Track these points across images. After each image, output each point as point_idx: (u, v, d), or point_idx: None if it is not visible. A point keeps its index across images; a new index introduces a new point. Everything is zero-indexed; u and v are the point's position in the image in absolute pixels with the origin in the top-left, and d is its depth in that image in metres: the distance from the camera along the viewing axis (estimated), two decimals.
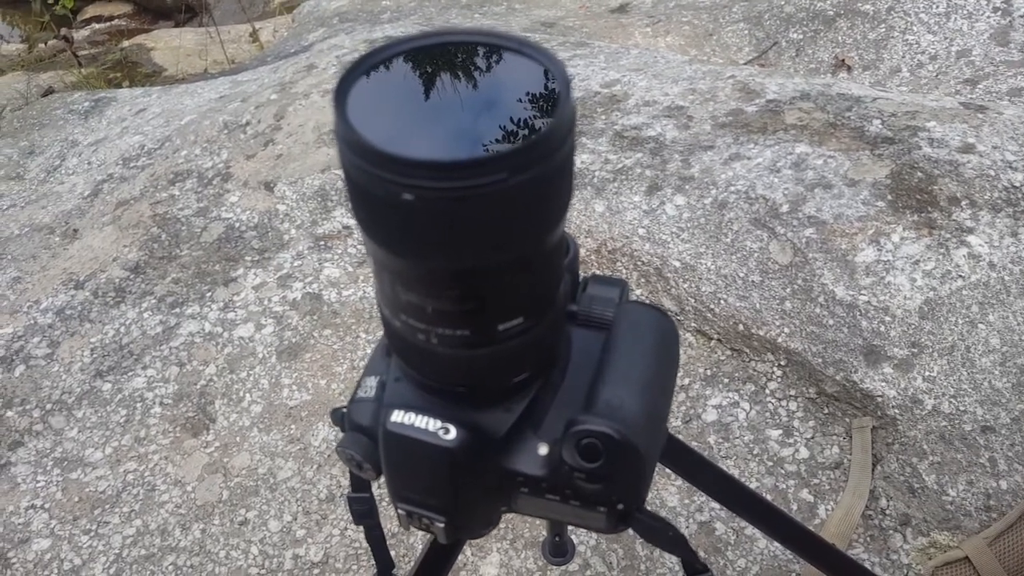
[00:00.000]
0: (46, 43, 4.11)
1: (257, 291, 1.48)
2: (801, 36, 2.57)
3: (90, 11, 5.05)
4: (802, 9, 2.63)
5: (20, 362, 1.39)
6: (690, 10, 2.84)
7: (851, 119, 1.60)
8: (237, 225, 1.60)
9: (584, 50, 2.03)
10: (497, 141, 0.31)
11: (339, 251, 1.54)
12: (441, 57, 0.36)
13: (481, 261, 0.32)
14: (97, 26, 4.96)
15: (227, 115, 1.90)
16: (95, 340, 1.41)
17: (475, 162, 0.28)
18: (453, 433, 0.41)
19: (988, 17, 2.30)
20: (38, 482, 1.22)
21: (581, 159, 1.58)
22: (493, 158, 0.29)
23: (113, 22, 4.99)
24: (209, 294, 1.48)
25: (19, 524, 1.18)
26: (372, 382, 0.49)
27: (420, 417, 0.41)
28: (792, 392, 1.36)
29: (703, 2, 2.90)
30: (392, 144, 0.28)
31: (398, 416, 0.42)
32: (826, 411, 1.32)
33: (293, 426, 1.27)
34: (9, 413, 1.32)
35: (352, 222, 1.58)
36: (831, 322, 1.33)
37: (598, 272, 1.48)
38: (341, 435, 0.56)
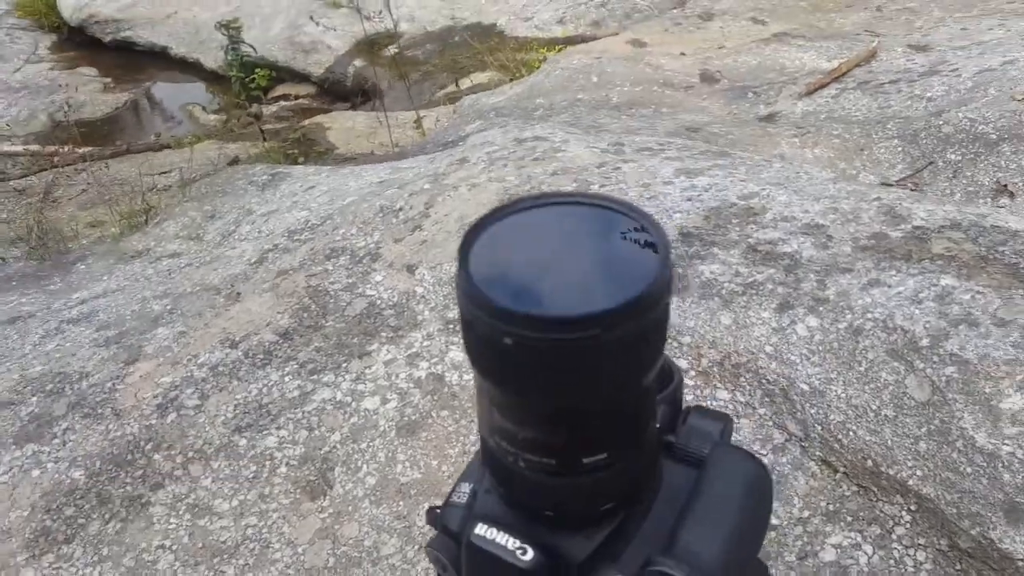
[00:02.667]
0: (239, 118, 4.63)
1: (387, 366, 1.57)
2: (959, 157, 2.47)
3: (280, 89, 5.65)
4: (961, 130, 2.54)
5: (173, 410, 1.54)
6: (841, 123, 2.81)
7: (1005, 254, 1.52)
8: (378, 302, 1.72)
9: (725, 160, 2.06)
10: (594, 299, 0.34)
11: None
12: (557, 216, 0.40)
13: (568, 403, 0.36)
14: (284, 103, 5.53)
15: (384, 200, 2.06)
16: (240, 397, 1.55)
17: (567, 320, 0.32)
18: (530, 555, 0.42)
19: None
20: (170, 524, 1.34)
21: (711, 269, 1.58)
22: (585, 317, 0.32)
23: (298, 101, 5.54)
24: (345, 364, 1.58)
25: (148, 561, 1.29)
26: (466, 488, 0.52)
27: (502, 534, 0.43)
28: (921, 541, 1.27)
29: (855, 116, 2.86)
30: (498, 293, 0.33)
31: (482, 529, 0.43)
32: (958, 567, 1.22)
33: (402, 503, 1.33)
34: (156, 456, 1.46)
35: None
36: (969, 470, 1.24)
37: (703, 402, 1.46)
38: (433, 533, 0.60)
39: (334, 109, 5.22)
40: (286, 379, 1.57)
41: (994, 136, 2.45)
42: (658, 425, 0.46)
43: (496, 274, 0.36)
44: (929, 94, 2.70)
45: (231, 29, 3.40)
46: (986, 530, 1.17)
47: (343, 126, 4.66)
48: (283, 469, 1.41)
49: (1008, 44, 2.88)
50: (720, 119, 3.10)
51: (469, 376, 1.52)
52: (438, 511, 0.56)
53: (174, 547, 1.31)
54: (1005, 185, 2.35)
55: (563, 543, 0.43)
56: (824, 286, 1.52)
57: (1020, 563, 1.13)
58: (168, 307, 1.92)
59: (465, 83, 4.71)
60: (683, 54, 3.46)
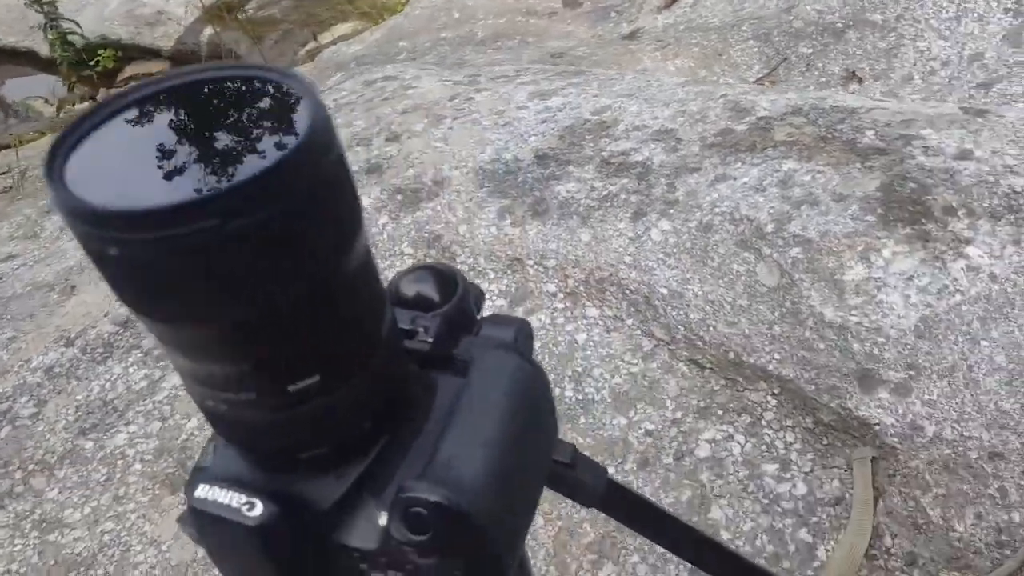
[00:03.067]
0: (77, 102, 4.27)
1: None
2: (811, 50, 2.50)
3: (129, 70, 5.25)
4: (811, 23, 2.56)
5: (7, 423, 1.41)
6: (699, 31, 2.80)
7: (843, 131, 1.53)
8: None
9: (579, 78, 2.01)
10: (220, 180, 0.27)
11: None
12: (165, 102, 0.33)
13: (222, 316, 0.28)
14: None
15: None
16: (80, 398, 1.42)
17: (173, 209, 0.25)
18: (259, 509, 0.35)
19: (999, 19, 2.20)
20: (15, 546, 1.23)
21: (567, 188, 1.54)
22: (192, 203, 0.25)
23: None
24: None
25: None
26: (210, 449, 0.46)
27: (225, 491, 0.36)
28: (788, 422, 1.28)
29: (712, 23, 2.85)
30: (91, 195, 0.25)
31: (203, 491, 0.36)
32: (825, 442, 1.24)
33: None
34: None
35: None
36: (822, 346, 1.25)
37: (575, 323, 1.43)
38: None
39: None
40: (130, 370, 1.46)
41: (840, 25, 2.48)
42: (418, 329, 0.40)
43: (102, 178, 0.29)
44: None
45: (45, 4, 3.07)
46: (844, 401, 1.19)
47: None
48: (137, 466, 1.31)
49: None
50: (585, 42, 3.05)
51: None
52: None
53: (22, 570, 1.20)
54: (853, 72, 2.39)
55: (307, 488, 0.36)
56: (674, 188, 1.50)
57: (876, 427, 1.15)
58: None
59: (326, 37, 4.49)
60: None
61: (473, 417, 0.39)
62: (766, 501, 1.20)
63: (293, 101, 0.30)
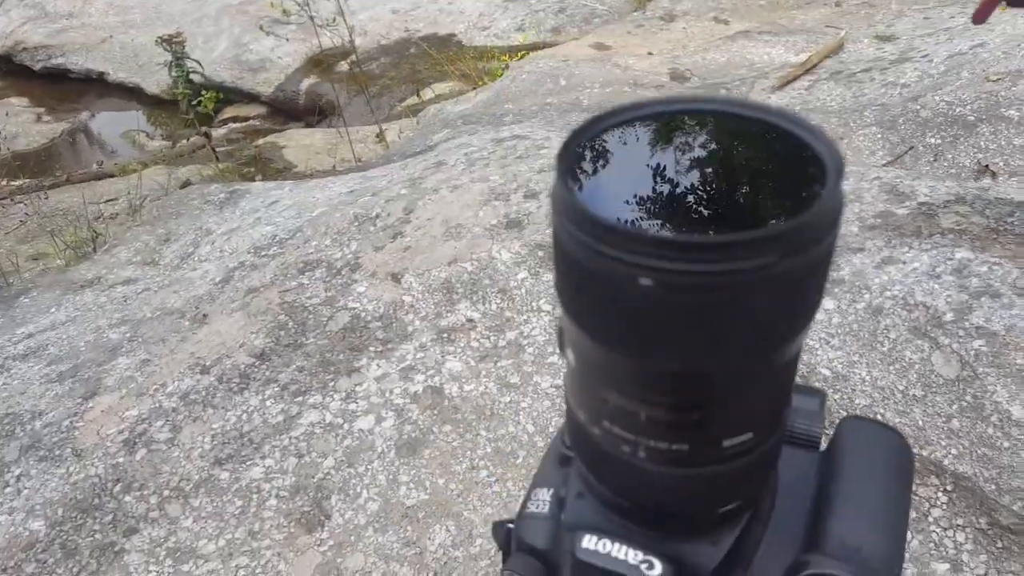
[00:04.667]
0: (188, 139, 4.43)
1: (379, 382, 1.44)
2: (939, 141, 2.45)
3: (228, 112, 5.46)
4: (939, 114, 2.52)
5: (142, 446, 1.39)
6: (818, 113, 2.78)
7: (1014, 225, 1.47)
8: (363, 315, 1.59)
9: None
10: (754, 221, 0.26)
11: (462, 344, 1.49)
12: (682, 126, 0.31)
13: (723, 363, 0.26)
14: (234, 125, 5.35)
15: (357, 208, 1.94)
16: (216, 427, 1.40)
17: (741, 243, 0.23)
18: (658, 569, 0.34)
19: None
20: (150, 573, 1.19)
21: None
22: (764, 237, 0.23)
23: (249, 122, 5.37)
24: (332, 383, 1.45)
25: None
26: (545, 496, 0.43)
27: (617, 546, 0.35)
28: (960, 521, 1.19)
29: (831, 106, 2.83)
30: (625, 217, 0.25)
31: (590, 542, 0.35)
32: (1000, 545, 1.14)
33: (410, 527, 1.20)
34: (127, 498, 1.30)
35: (476, 315, 1.54)
36: (1007, 444, 1.17)
37: None
38: (501, 555, 0.48)
39: (288, 128, 5.07)
40: (267, 403, 1.43)
41: (972, 118, 2.43)
42: None
43: (616, 197, 0.27)
44: (903, 80, 2.69)
45: (175, 44, 3.22)
46: None
47: (300, 143, 4.51)
48: (273, 501, 1.27)
49: (974, 29, 2.89)
50: None
51: (470, 387, 1.41)
52: (509, 526, 0.46)
53: None
54: (987, 166, 2.33)
55: (688, 552, 0.35)
56: (838, 267, 1.45)
57: None
58: (127, 335, 1.76)
59: (427, 93, 4.61)
60: (650, 54, 3.42)
61: (858, 490, 0.38)
62: None
63: (813, 151, 0.28)
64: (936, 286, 1.36)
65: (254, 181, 3.29)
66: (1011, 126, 2.37)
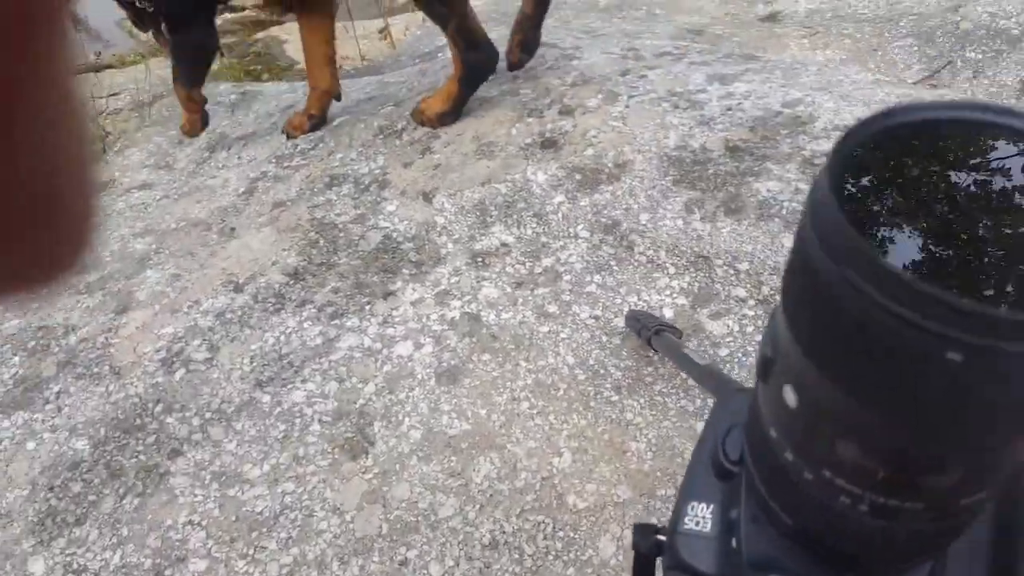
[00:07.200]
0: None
1: (415, 307, 1.43)
2: (980, 56, 2.35)
3: None
4: (981, 27, 2.41)
5: (181, 365, 1.39)
6: (850, 22, 2.66)
7: None
8: (394, 235, 1.56)
9: (755, 63, 1.90)
10: None
11: (497, 269, 1.47)
12: (986, 147, 0.28)
13: (992, 436, 0.24)
14: (229, 16, 5.09)
15: (381, 119, 1.87)
16: (255, 348, 1.39)
17: None
18: None
19: None
20: (196, 496, 1.21)
21: (767, 187, 1.46)
22: None
23: (245, 13, 5.11)
24: (368, 307, 1.44)
25: (177, 540, 1.16)
26: (705, 512, 0.42)
27: None
28: None
29: (863, 14, 2.70)
30: (935, 281, 0.21)
31: None
32: None
33: (454, 458, 1.21)
34: (169, 419, 1.31)
35: (511, 239, 1.51)
36: None
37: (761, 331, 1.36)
38: (632, 558, 0.48)
39: (286, 20, 4.82)
40: (305, 325, 1.42)
41: (1016, 31, 2.33)
42: None
43: (908, 243, 0.24)
44: None
45: None
46: None
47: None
48: (316, 427, 1.28)
49: None
50: (719, 20, 2.91)
51: (507, 315, 1.40)
52: (659, 537, 0.45)
53: (203, 522, 1.18)
54: None
55: None
56: None
57: None
58: (153, 246, 1.73)
59: None
60: None
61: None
62: None
63: None
64: None
65: (262, 80, 3.16)
66: None
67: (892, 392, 0.24)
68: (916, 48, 2.48)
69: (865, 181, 0.27)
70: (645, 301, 1.37)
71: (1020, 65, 2.26)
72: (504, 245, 1.52)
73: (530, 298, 1.41)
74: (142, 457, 1.27)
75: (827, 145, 1.53)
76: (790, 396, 0.29)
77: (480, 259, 1.50)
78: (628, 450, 1.16)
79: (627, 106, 1.72)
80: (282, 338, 1.40)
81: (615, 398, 1.23)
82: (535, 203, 1.56)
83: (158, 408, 1.33)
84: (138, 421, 1.31)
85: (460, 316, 1.40)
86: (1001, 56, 2.31)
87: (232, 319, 1.45)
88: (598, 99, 1.76)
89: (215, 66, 3.36)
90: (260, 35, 4.22)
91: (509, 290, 1.44)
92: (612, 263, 1.44)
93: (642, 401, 1.22)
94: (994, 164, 0.27)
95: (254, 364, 1.37)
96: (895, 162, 0.26)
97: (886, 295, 0.22)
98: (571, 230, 1.52)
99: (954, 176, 0.27)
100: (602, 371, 1.27)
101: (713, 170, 1.53)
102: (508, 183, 1.61)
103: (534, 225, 1.53)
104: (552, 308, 1.39)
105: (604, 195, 1.55)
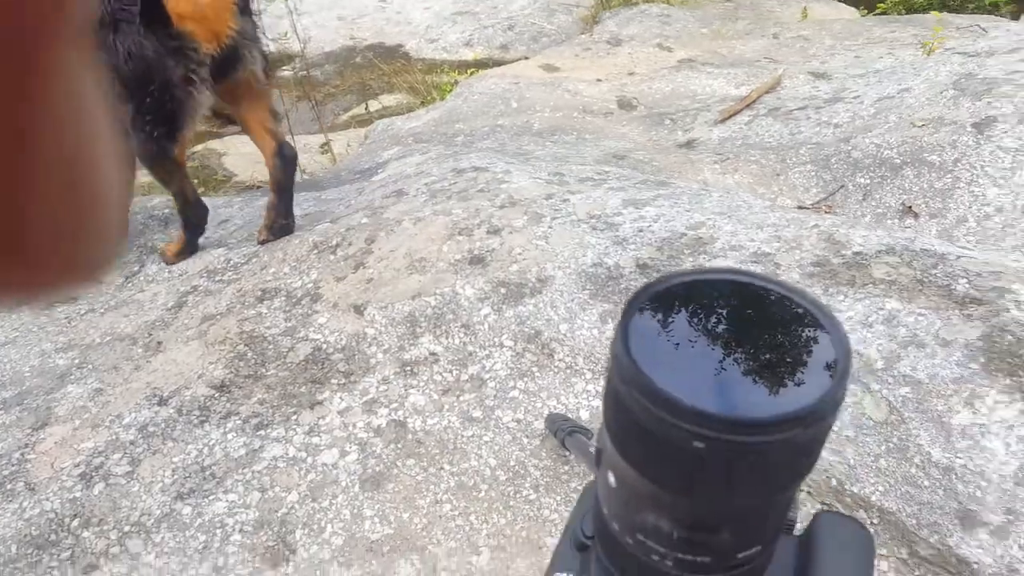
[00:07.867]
0: None
1: (343, 416, 1.47)
2: (868, 181, 2.61)
3: None
4: (869, 155, 2.68)
5: (100, 479, 1.38)
6: (757, 149, 2.92)
7: (937, 277, 1.60)
8: (324, 347, 1.61)
9: (666, 189, 2.08)
10: (782, 397, 0.32)
11: (424, 378, 1.53)
12: (721, 300, 0.37)
13: (749, 502, 0.34)
14: None
15: (316, 235, 1.95)
16: (177, 460, 1.40)
17: (777, 421, 0.30)
18: None
19: None
20: None
21: None
22: (789, 417, 0.30)
23: None
24: (295, 416, 1.47)
25: None
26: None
27: None
28: (883, 551, 1.30)
29: (769, 142, 2.97)
30: (684, 393, 0.30)
31: None
32: (917, 573, 1.25)
33: (375, 562, 1.23)
34: (86, 533, 1.30)
35: (439, 349, 1.58)
36: (927, 483, 1.28)
37: None
38: None
39: (226, 133, 4.97)
40: (229, 436, 1.44)
41: (898, 160, 2.60)
42: None
43: (670, 367, 0.33)
44: (836, 120, 2.85)
45: None
46: (944, 538, 1.22)
47: (240, 151, 4.41)
48: (236, 536, 1.28)
49: (900, 73, 3.08)
50: (642, 146, 3.15)
51: (433, 421, 1.45)
52: None
53: None
54: (910, 207, 2.50)
55: None
56: None
57: (975, 566, 1.17)
58: (76, 361, 1.73)
59: (373, 105, 4.60)
60: (599, 80, 3.51)
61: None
62: None
63: (821, 328, 0.34)
64: (869, 335, 1.47)
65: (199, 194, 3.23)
66: (932, 170, 2.54)
67: (668, 472, 0.32)
68: (814, 173, 2.73)
69: (645, 328, 0.36)
70: (564, 404, 1.44)
71: (901, 190, 2.52)
72: (432, 354, 1.58)
73: (456, 404, 1.47)
74: (55, 573, 1.24)
75: (724, 263, 1.67)
76: (612, 479, 0.38)
77: (409, 368, 1.56)
78: (544, 545, 1.21)
79: (550, 227, 1.85)
80: (205, 450, 1.42)
81: (533, 496, 1.28)
82: (463, 315, 1.65)
83: (74, 523, 1.31)
84: (52, 537, 1.29)
85: (387, 423, 1.45)
86: (885, 181, 2.57)
87: (155, 432, 1.46)
88: (524, 220, 1.88)
89: (147, 179, 3.43)
90: (198, 148, 4.33)
91: (436, 397, 1.49)
92: (534, 369, 1.52)
93: (558, 498, 1.28)
94: (725, 311, 0.37)
95: (176, 476, 1.37)
96: (664, 315, 0.36)
97: (657, 406, 0.31)
98: (496, 339, 1.60)
99: (704, 321, 0.36)
100: (522, 471, 1.33)
101: (625, 285, 1.65)
102: (438, 296, 1.69)
103: (462, 335, 1.61)
104: (476, 413, 1.45)
105: (527, 307, 1.65)
